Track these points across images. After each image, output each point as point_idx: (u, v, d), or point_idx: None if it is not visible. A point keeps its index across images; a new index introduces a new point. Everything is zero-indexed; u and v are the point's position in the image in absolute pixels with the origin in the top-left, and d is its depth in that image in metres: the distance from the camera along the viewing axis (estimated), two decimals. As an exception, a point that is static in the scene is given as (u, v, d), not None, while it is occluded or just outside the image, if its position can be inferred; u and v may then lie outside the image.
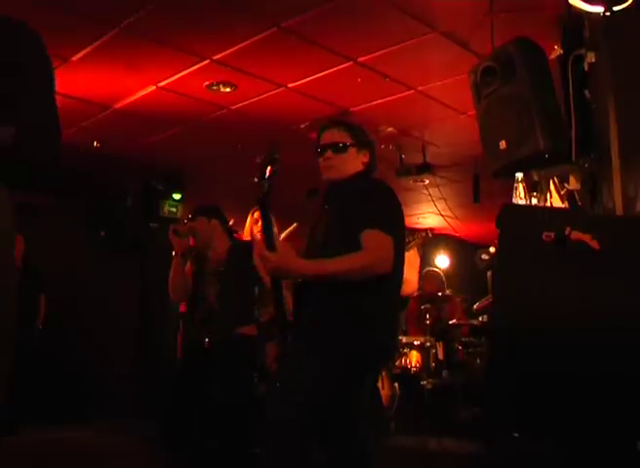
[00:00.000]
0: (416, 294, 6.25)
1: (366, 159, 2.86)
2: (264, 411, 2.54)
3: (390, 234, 2.55)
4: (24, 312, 6.09)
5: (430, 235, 5.30)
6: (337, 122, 2.94)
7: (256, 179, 2.68)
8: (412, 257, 5.22)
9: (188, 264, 4.17)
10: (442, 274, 6.94)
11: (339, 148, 2.80)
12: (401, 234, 2.72)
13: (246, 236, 4.48)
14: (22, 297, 6.25)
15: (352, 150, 2.82)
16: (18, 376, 5.94)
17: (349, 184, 2.77)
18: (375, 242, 2.53)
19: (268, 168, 2.66)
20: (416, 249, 5.34)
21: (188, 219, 4.23)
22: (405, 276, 4.55)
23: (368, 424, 2.84)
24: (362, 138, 2.88)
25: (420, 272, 5.69)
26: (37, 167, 1.93)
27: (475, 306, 5.89)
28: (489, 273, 4.60)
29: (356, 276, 2.52)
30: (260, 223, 3.24)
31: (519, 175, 3.87)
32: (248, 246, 4.05)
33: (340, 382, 2.54)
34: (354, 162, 2.82)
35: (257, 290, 3.99)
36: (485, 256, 4.67)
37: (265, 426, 2.51)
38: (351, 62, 5.12)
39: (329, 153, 2.81)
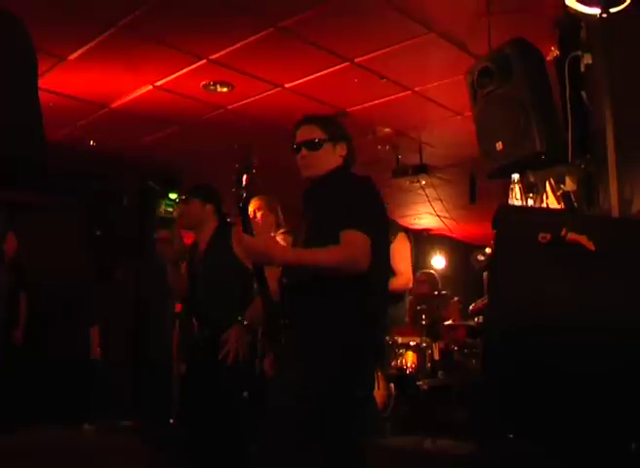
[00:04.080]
0: (410, 297, 6.25)
1: (343, 152, 2.81)
2: (262, 410, 2.55)
3: (368, 233, 2.53)
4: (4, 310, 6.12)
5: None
6: (310, 118, 2.87)
7: (233, 189, 2.67)
8: (401, 247, 5.19)
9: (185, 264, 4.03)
10: (436, 275, 6.93)
11: (313, 146, 2.75)
12: (381, 232, 2.69)
13: None
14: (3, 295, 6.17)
15: (328, 146, 2.77)
16: (15, 376, 5.97)
17: (329, 183, 2.74)
18: (351, 239, 2.51)
19: (245, 176, 2.65)
20: (405, 237, 5.31)
21: (182, 200, 4.01)
22: (396, 268, 4.53)
23: (363, 424, 2.84)
24: (337, 132, 2.82)
25: (414, 262, 5.63)
26: (21, 165, 1.91)
27: (471, 307, 5.88)
28: (485, 274, 4.60)
29: (331, 269, 2.51)
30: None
31: (515, 176, 3.87)
32: (232, 225, 3.95)
33: (331, 382, 2.54)
34: (331, 157, 2.78)
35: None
36: (481, 257, 4.66)
37: (261, 429, 2.53)
38: (348, 63, 5.12)
39: (304, 151, 2.76)
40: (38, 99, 1.99)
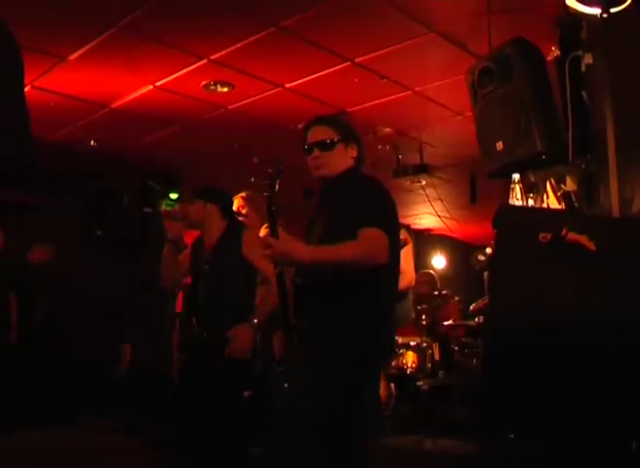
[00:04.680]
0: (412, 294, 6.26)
1: (355, 153, 2.84)
2: (266, 410, 2.57)
3: (383, 229, 2.55)
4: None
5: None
6: (321, 119, 2.90)
7: (265, 194, 2.76)
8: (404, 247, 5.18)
9: (187, 251, 4.04)
10: (435, 276, 6.93)
11: (326, 146, 2.78)
12: (394, 232, 2.71)
13: None
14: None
15: (340, 146, 2.79)
16: (15, 376, 5.96)
17: (342, 183, 2.76)
18: (369, 235, 2.53)
19: (277, 181, 2.71)
20: (407, 234, 5.30)
21: (187, 202, 4.09)
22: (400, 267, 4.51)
23: (368, 423, 2.85)
24: (348, 133, 2.85)
25: (415, 261, 5.63)
26: (7, 165, 1.90)
27: (471, 307, 5.88)
28: (485, 274, 4.60)
29: (351, 264, 2.52)
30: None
31: (516, 176, 3.87)
32: (242, 226, 3.97)
33: (342, 383, 2.55)
34: (343, 158, 2.81)
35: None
36: (481, 257, 4.66)
37: (274, 429, 2.54)
38: (349, 63, 5.12)
39: (316, 152, 2.79)
40: (24, 100, 1.98)
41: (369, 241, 2.53)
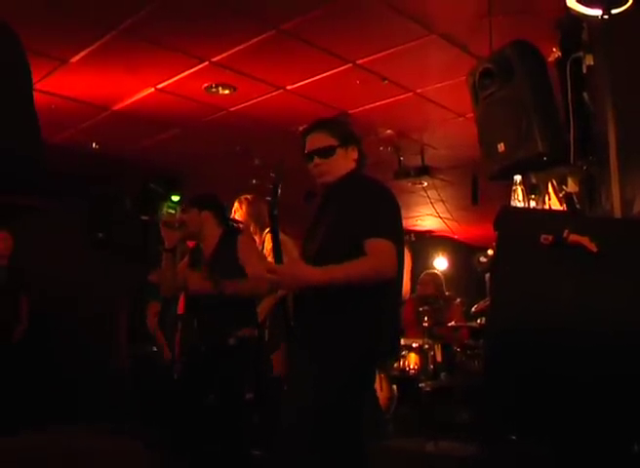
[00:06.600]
0: (411, 297, 6.27)
1: (355, 155, 2.80)
2: (267, 414, 2.57)
3: (391, 240, 2.53)
4: (4, 312, 6.17)
5: (413, 238, 5.29)
6: (318, 125, 2.85)
7: (267, 198, 2.71)
8: None
9: (185, 259, 4.04)
10: (441, 276, 6.94)
11: (326, 153, 2.74)
12: (400, 238, 2.69)
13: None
14: (3, 297, 6.32)
15: (340, 151, 2.75)
16: (16, 378, 5.96)
17: (345, 187, 2.73)
18: (378, 248, 2.50)
19: (280, 187, 2.68)
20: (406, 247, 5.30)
21: (182, 210, 4.08)
22: None
23: (367, 426, 2.85)
24: (347, 136, 2.81)
25: (413, 272, 5.64)
26: (16, 167, 1.90)
27: (473, 309, 5.89)
28: (487, 275, 4.60)
29: (363, 281, 2.48)
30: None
31: (517, 178, 3.88)
32: (239, 232, 3.98)
33: (339, 390, 2.54)
34: (345, 161, 2.77)
35: None
36: (483, 259, 4.66)
37: (278, 434, 2.54)
38: (350, 65, 5.12)
39: (317, 160, 2.74)
40: (33, 103, 1.98)
41: (378, 255, 2.49)
